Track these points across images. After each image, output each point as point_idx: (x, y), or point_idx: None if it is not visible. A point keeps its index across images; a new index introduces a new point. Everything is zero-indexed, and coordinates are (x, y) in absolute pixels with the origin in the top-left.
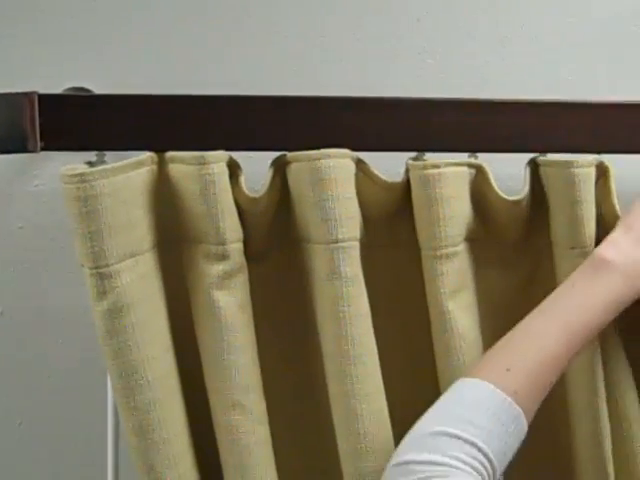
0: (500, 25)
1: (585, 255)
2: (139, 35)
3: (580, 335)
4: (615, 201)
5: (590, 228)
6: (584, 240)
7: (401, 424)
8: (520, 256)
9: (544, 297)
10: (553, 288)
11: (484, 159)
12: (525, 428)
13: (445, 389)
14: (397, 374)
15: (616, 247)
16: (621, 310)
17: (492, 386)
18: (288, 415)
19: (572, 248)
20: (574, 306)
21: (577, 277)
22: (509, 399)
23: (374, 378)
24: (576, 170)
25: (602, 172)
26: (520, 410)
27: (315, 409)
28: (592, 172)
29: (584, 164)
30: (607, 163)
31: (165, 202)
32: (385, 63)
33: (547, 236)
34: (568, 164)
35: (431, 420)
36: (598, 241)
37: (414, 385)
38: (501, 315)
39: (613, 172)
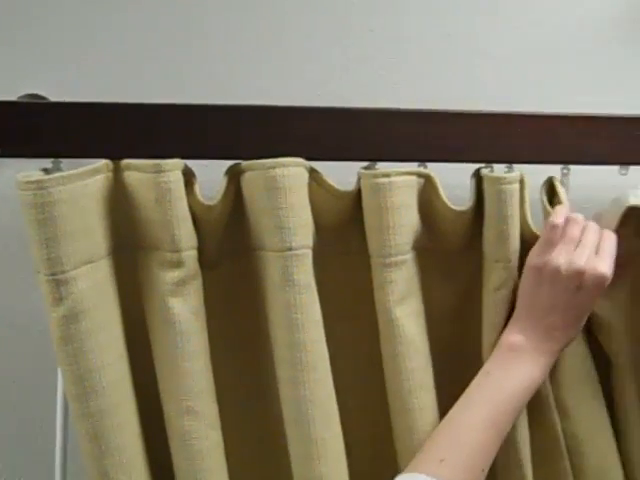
0: (452, 37)
1: (508, 269)
2: (94, 43)
3: (502, 420)
4: (528, 212)
5: (514, 244)
6: (508, 255)
7: (352, 429)
8: (462, 265)
9: (482, 306)
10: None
11: (434, 168)
12: None
13: (391, 394)
14: (348, 379)
15: (520, 331)
16: (536, 388)
17: (428, 478)
18: (240, 420)
19: (497, 261)
20: (492, 395)
21: (491, 365)
22: None
23: (326, 384)
24: (503, 187)
25: (522, 185)
26: None
27: (267, 414)
28: (517, 188)
29: (511, 180)
30: (523, 175)
31: (121, 209)
32: (338, 74)
33: (481, 247)
34: (498, 180)
35: None
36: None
37: (364, 390)
38: (446, 322)
39: (528, 183)
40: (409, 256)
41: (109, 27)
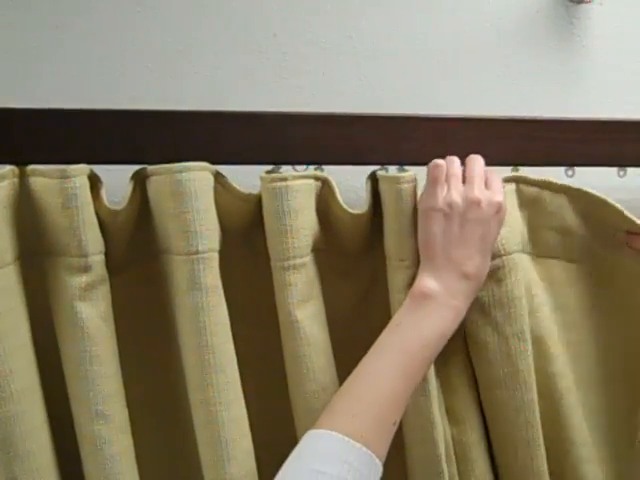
0: (355, 40)
1: (414, 267)
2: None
3: (414, 370)
4: None
5: (415, 241)
6: (412, 252)
7: (260, 431)
8: (361, 267)
9: (382, 307)
10: (387, 299)
11: (348, 170)
12: (380, 468)
13: (294, 395)
14: (256, 381)
15: (431, 276)
16: (450, 336)
17: (340, 435)
18: (151, 424)
19: (401, 260)
20: (404, 344)
21: (402, 315)
22: (358, 444)
23: (234, 386)
24: (402, 186)
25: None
26: (370, 453)
27: (177, 417)
28: (414, 186)
29: (408, 179)
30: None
31: (27, 215)
32: (242, 77)
33: (382, 248)
34: (396, 180)
35: (284, 478)
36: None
37: (272, 391)
38: (347, 323)
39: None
40: (308, 259)
41: (13, 33)
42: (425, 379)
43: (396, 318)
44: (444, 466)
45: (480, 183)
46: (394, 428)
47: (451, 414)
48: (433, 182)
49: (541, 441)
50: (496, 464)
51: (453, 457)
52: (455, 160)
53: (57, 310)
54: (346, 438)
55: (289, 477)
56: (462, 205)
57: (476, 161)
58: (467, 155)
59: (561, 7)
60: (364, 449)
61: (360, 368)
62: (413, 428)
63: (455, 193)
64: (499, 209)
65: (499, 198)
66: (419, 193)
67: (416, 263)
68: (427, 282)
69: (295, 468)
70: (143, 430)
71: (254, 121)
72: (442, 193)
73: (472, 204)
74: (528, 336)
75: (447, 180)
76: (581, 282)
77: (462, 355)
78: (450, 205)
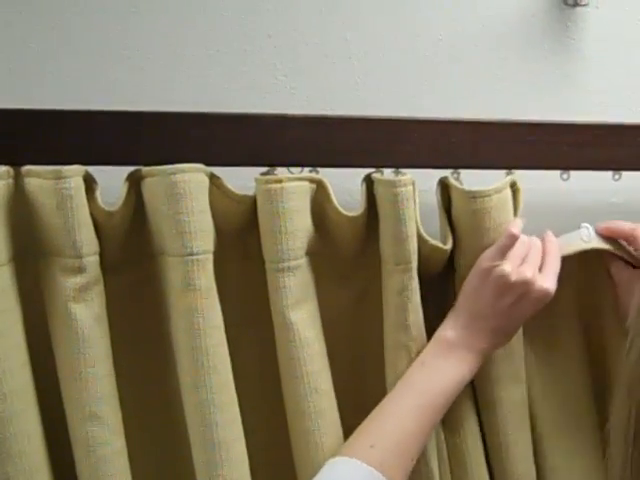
0: (350, 42)
1: (409, 271)
2: None
3: (434, 410)
4: (418, 215)
5: (413, 245)
6: (408, 257)
7: (253, 433)
8: (356, 270)
9: (376, 310)
10: (382, 302)
11: (342, 173)
12: None
13: (288, 398)
14: (250, 383)
15: (455, 327)
16: (466, 382)
17: (359, 461)
18: (145, 426)
19: (397, 264)
20: (426, 385)
21: (426, 355)
22: (376, 471)
23: (228, 388)
24: (399, 189)
25: (414, 188)
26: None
27: (171, 419)
28: (411, 190)
29: (406, 183)
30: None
31: (22, 216)
32: (236, 79)
33: (378, 252)
34: (392, 183)
35: None
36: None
37: (265, 394)
38: (341, 326)
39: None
40: (303, 261)
41: (7, 31)
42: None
43: (421, 357)
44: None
45: (535, 269)
46: (412, 464)
47: (447, 421)
48: (500, 249)
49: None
50: (492, 470)
51: (446, 460)
52: (524, 241)
53: (51, 311)
54: (364, 465)
55: None
56: (513, 281)
57: (535, 248)
58: (463, 158)
59: (557, 10)
60: (382, 477)
61: (383, 402)
62: None
63: (512, 267)
64: (545, 295)
65: (548, 285)
66: (416, 196)
67: (412, 267)
68: (449, 332)
69: None
70: (137, 431)
71: (249, 123)
72: (502, 261)
73: (523, 283)
74: None
75: (511, 253)
76: None
77: None
78: (504, 276)
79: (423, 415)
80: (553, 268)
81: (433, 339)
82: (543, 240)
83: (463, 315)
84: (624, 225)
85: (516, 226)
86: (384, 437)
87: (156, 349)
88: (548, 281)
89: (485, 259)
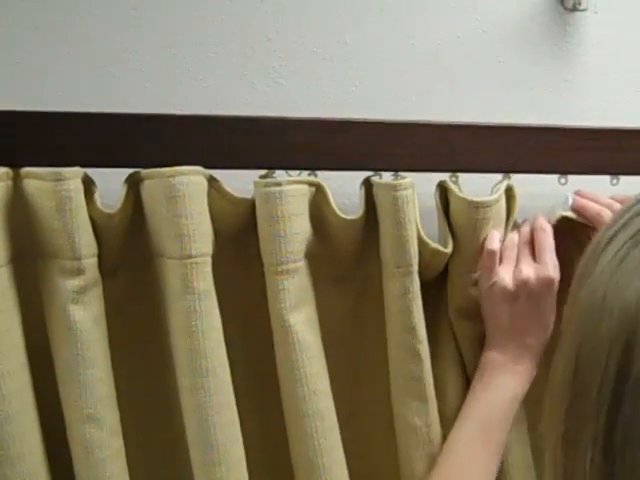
0: (349, 46)
1: (410, 274)
2: None
3: (493, 434)
4: (418, 218)
5: (414, 248)
6: (409, 260)
7: (251, 435)
8: (354, 273)
9: (375, 313)
10: (382, 306)
11: (341, 176)
12: None
13: (287, 401)
14: (248, 385)
15: (494, 348)
16: (522, 397)
17: None
18: (142, 428)
19: (398, 267)
20: (478, 411)
21: (475, 382)
22: None
23: (226, 390)
24: (399, 193)
25: (413, 191)
26: None
27: (169, 421)
28: (412, 193)
29: (406, 186)
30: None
31: (21, 218)
32: (236, 82)
33: (378, 255)
34: (392, 187)
35: None
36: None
37: (264, 396)
38: (340, 329)
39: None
40: (301, 264)
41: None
42: (424, 401)
43: (472, 384)
44: None
45: (529, 262)
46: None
47: (443, 419)
48: (486, 269)
49: None
50: None
51: None
52: (512, 243)
53: (50, 313)
54: None
55: None
56: (514, 288)
57: (523, 238)
58: (462, 162)
59: (555, 14)
60: None
61: (447, 438)
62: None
63: (507, 277)
64: (549, 282)
65: (546, 272)
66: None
67: (413, 270)
68: (492, 355)
69: None
70: (135, 433)
71: (248, 126)
72: (498, 277)
73: (523, 284)
74: None
75: (501, 262)
76: None
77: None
78: (504, 289)
79: (482, 441)
80: (547, 253)
81: (479, 365)
82: (533, 225)
83: (493, 337)
84: (593, 206)
85: (493, 241)
86: (451, 467)
87: (154, 351)
88: (546, 268)
89: (481, 283)
